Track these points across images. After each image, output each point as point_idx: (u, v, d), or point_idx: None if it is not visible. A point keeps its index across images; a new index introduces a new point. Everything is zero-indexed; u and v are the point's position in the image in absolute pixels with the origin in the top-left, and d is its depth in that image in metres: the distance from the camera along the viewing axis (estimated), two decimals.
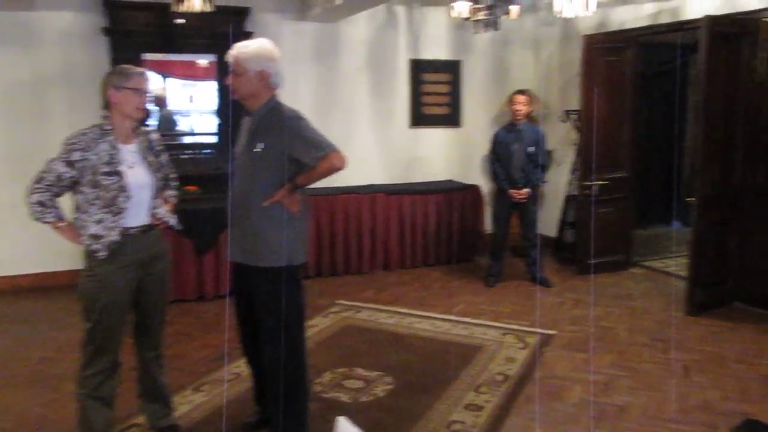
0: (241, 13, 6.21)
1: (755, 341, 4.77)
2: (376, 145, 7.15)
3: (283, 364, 3.02)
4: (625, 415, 3.69)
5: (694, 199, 5.29)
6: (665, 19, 6.15)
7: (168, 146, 3.43)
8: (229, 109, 5.81)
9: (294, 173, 2.97)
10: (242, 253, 3.08)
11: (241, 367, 4.01)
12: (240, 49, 3.02)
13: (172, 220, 3.22)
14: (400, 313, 5.44)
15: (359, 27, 6.92)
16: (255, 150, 3.00)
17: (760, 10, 5.30)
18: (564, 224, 7.13)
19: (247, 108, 3.10)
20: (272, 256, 2.97)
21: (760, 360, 4.43)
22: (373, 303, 5.70)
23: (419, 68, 7.24)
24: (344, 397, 3.87)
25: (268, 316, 3.02)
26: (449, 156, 7.48)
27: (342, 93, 6.94)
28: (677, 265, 6.62)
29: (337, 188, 6.44)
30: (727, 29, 5.24)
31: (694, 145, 5.55)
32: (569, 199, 7.03)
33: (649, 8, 6.31)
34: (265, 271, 2.99)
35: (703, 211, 5.25)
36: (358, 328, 5.11)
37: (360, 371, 4.24)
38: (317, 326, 5.08)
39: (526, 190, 5.95)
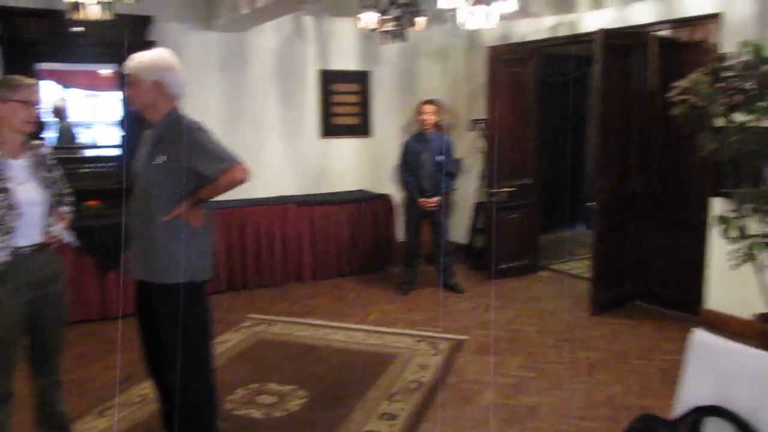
0: (143, 22, 6.01)
1: (654, 337, 5.01)
2: (286, 156, 7.08)
3: (189, 384, 2.92)
4: (534, 415, 3.79)
5: (594, 203, 5.51)
6: (564, 32, 6.40)
7: (68, 159, 3.28)
8: (130, 121, 5.63)
9: (196, 186, 2.89)
10: (142, 270, 2.97)
11: (147, 388, 3.86)
12: (136, 59, 2.93)
13: (68, 238, 3.07)
14: (313, 324, 5.40)
15: (267, 37, 6.84)
16: (155, 163, 2.90)
17: (649, 24, 5.61)
18: (474, 231, 7.29)
19: (148, 119, 3.01)
20: (174, 272, 2.87)
21: (658, 355, 4.66)
22: (287, 316, 5.63)
23: (328, 78, 7.24)
24: (256, 414, 3.79)
25: (171, 335, 2.92)
26: (360, 166, 7.50)
27: (250, 104, 6.84)
28: (581, 267, 6.88)
29: (247, 200, 6.33)
30: (620, 42, 5.51)
31: (593, 152, 5.79)
32: (478, 206, 7.19)
33: (548, 21, 6.55)
34: (167, 288, 2.89)
35: (602, 215, 5.48)
36: (271, 342, 5.03)
37: (273, 386, 4.16)
38: (228, 342, 4.96)
39: (436, 199, 6.05)
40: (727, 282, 4.94)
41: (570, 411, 3.83)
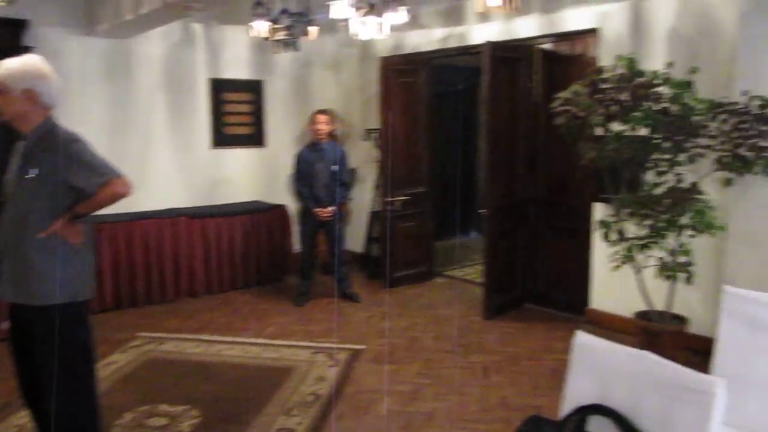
0: (18, 26, 5.64)
1: (544, 338, 5.20)
2: (176, 168, 6.84)
3: (70, 412, 2.75)
4: (431, 422, 3.83)
5: (485, 210, 5.67)
6: (454, 44, 6.56)
7: None
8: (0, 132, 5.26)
9: (74, 201, 2.72)
10: (16, 291, 2.76)
11: (25, 417, 3.59)
12: (4, 66, 2.74)
13: None
14: (207, 341, 5.22)
15: (153, 44, 6.59)
16: (27, 176, 2.72)
17: (534, 38, 5.84)
18: (370, 240, 7.32)
19: (19, 130, 2.81)
20: (51, 293, 2.69)
21: (548, 355, 4.83)
22: (178, 333, 5.42)
23: (220, 88, 7.07)
24: None
25: (49, 360, 2.73)
26: (254, 176, 7.37)
27: (137, 113, 6.56)
28: (475, 272, 7.06)
29: (135, 213, 6.07)
30: (506, 54, 5.71)
31: (483, 160, 5.96)
32: (374, 215, 7.23)
33: (439, 33, 6.70)
34: (43, 310, 2.70)
35: (492, 222, 5.65)
36: (162, 361, 4.82)
37: (164, 407, 3.98)
38: (115, 363, 4.72)
39: (331, 208, 6.02)
40: (610, 283, 5.20)
41: (465, 415, 3.90)
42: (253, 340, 5.24)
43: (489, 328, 5.46)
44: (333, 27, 7.36)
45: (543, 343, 5.09)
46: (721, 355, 2.63)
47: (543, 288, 6.00)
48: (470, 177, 8.88)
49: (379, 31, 5.51)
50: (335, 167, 6.04)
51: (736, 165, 4.05)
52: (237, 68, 7.19)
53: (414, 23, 6.34)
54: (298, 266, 6.46)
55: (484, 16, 6.13)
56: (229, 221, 6.62)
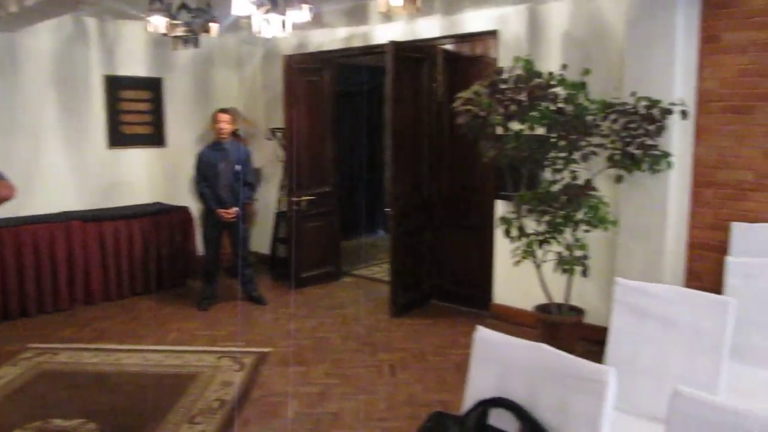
0: None
1: (449, 334, 5.29)
2: (69, 169, 6.50)
3: None
4: (339, 422, 3.81)
5: (390, 209, 5.70)
6: (357, 43, 6.56)
7: None
8: None
9: None
10: None
11: None
12: None
13: None
14: (105, 349, 4.99)
15: (42, 39, 6.23)
16: None
17: (436, 38, 5.93)
18: (276, 240, 7.22)
19: None
20: None
21: (454, 351, 4.91)
22: (73, 342, 5.15)
23: (116, 85, 6.77)
24: None
25: None
26: (155, 177, 7.11)
27: (26, 112, 6.18)
28: (382, 271, 7.10)
29: (24, 218, 5.74)
30: (410, 54, 5.76)
31: (388, 159, 5.99)
32: (280, 216, 7.13)
33: (343, 32, 6.68)
34: None
35: (398, 220, 5.69)
36: (56, 373, 4.56)
37: (58, 422, 3.77)
38: (4, 377, 4.43)
39: (235, 209, 5.89)
40: (512, 278, 5.36)
41: (373, 413, 3.91)
42: (154, 347, 5.05)
43: (396, 326, 5.50)
44: (235, 24, 7.23)
45: (449, 339, 5.17)
46: (613, 344, 2.75)
47: (449, 284, 6.10)
48: (376, 176, 8.94)
49: (282, 29, 5.45)
50: (239, 167, 5.91)
51: (626, 162, 4.26)
52: (134, 65, 6.91)
53: (318, 22, 6.31)
54: (201, 269, 6.29)
55: (388, 17, 6.16)
56: (128, 224, 6.35)
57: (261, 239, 7.41)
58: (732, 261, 3.34)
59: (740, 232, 4.17)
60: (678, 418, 1.65)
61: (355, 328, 5.46)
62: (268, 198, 7.40)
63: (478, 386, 2.10)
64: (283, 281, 6.77)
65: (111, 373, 4.56)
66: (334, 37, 6.75)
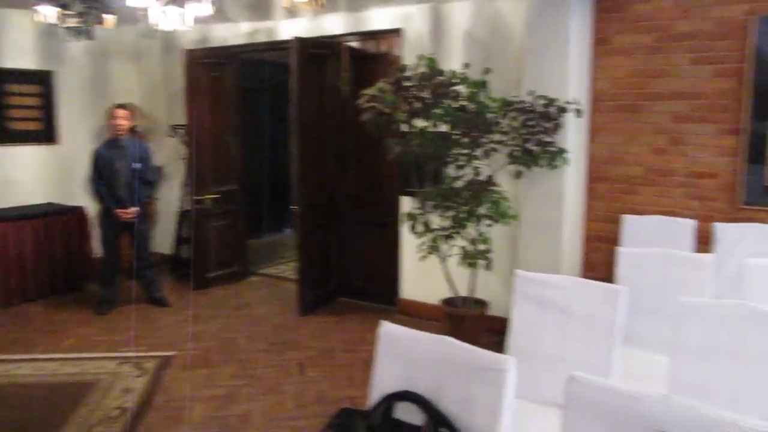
0: None
1: (358, 330, 5.30)
2: None
3: None
4: (246, 423, 3.75)
5: (296, 207, 5.65)
6: (262, 39, 6.46)
7: None
8: None
9: None
10: None
11: None
12: None
13: None
14: None
15: None
16: None
17: (341, 35, 5.91)
18: (179, 240, 7.00)
19: None
20: None
21: (362, 347, 4.93)
22: None
23: (1, 78, 6.36)
24: None
25: None
26: (46, 176, 6.73)
27: None
28: (289, 269, 7.03)
29: None
30: (314, 50, 5.72)
31: (294, 156, 5.93)
32: (183, 215, 6.92)
33: (246, 27, 6.55)
34: None
35: (304, 218, 5.65)
36: None
37: None
38: None
39: (134, 209, 5.65)
40: (418, 273, 5.44)
41: (282, 413, 3.87)
42: (48, 355, 4.78)
43: (304, 324, 5.46)
44: (133, 16, 6.96)
45: (357, 336, 5.19)
46: (514, 334, 2.84)
47: (356, 281, 6.12)
48: (283, 173, 8.83)
49: (181, 22, 5.29)
50: (137, 165, 5.68)
51: (525, 159, 4.41)
52: (21, 57, 6.51)
53: (221, 16, 6.16)
54: (99, 272, 6.02)
55: (292, 12, 6.09)
56: (17, 226, 5.97)
57: (163, 239, 7.18)
58: (622, 251, 3.52)
59: (630, 224, 4.41)
60: (574, 402, 1.72)
61: (263, 328, 5.38)
62: (170, 197, 7.17)
63: (384, 381, 2.12)
64: (187, 282, 6.57)
65: (0, 385, 4.29)
66: (237, 31, 6.61)
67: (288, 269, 7.11)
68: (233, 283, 6.67)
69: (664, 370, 2.59)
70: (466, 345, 1.97)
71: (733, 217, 4.22)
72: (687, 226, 4.23)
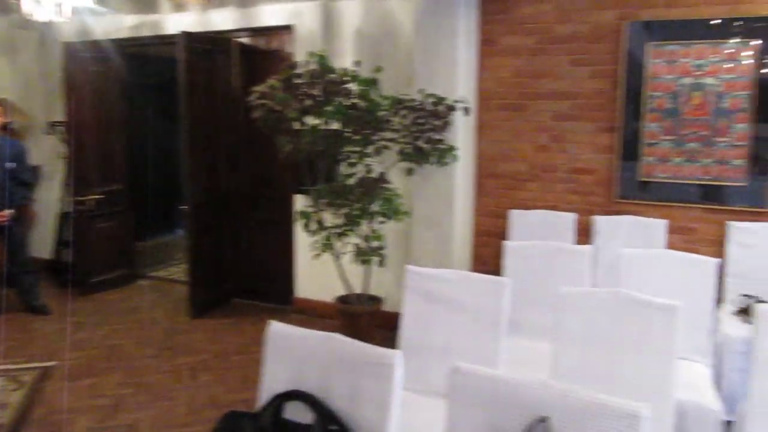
0: None
1: (252, 331, 5.21)
2: None
3: None
4: None
5: (186, 206, 5.48)
6: (147, 33, 6.21)
7: None
8: None
9: None
10: None
11: None
12: None
13: None
14: None
15: None
16: None
17: (231, 31, 5.79)
18: (60, 244, 6.63)
19: None
20: None
21: (256, 348, 4.80)
22: None
23: None
24: None
25: None
26: None
27: None
28: (181, 271, 6.81)
29: None
30: (203, 46, 5.56)
31: (184, 154, 5.74)
32: (64, 217, 6.55)
33: (131, 20, 6.28)
34: None
35: (195, 217, 5.49)
36: None
37: None
38: None
39: (8, 212, 5.30)
40: (313, 271, 5.41)
41: (172, 420, 3.75)
42: None
43: (196, 328, 5.31)
44: (5, 5, 6.54)
45: (251, 337, 5.10)
46: (405, 328, 2.88)
47: (250, 281, 6.01)
48: (174, 172, 8.53)
49: (58, 12, 5.01)
50: (11, 165, 5.33)
51: (416, 156, 4.47)
52: None
53: (103, 8, 5.87)
54: None
55: (179, 6, 5.91)
56: None
57: (42, 243, 6.77)
58: (509, 244, 3.66)
59: (517, 219, 4.58)
60: (457, 391, 1.76)
61: (152, 333, 5.18)
62: (49, 198, 6.77)
63: (273, 381, 2.09)
64: (69, 288, 6.23)
65: None
66: (121, 24, 6.32)
67: (180, 271, 6.89)
68: (121, 287, 6.38)
69: (547, 357, 2.70)
70: (354, 341, 1.97)
71: (610, 210, 4.47)
72: (568, 219, 4.45)
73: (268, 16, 5.57)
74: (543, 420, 1.62)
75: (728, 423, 2.82)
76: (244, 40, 5.85)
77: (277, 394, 2.00)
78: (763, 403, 2.39)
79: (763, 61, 3.99)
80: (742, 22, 4.02)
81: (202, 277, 5.60)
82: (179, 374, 4.40)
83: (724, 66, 4.09)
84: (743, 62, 4.03)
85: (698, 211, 4.27)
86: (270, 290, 5.88)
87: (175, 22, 5.95)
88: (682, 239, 4.29)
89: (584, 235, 4.45)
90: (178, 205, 8.26)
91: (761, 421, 2.39)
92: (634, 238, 4.21)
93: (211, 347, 4.88)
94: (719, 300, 3.67)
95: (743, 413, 2.51)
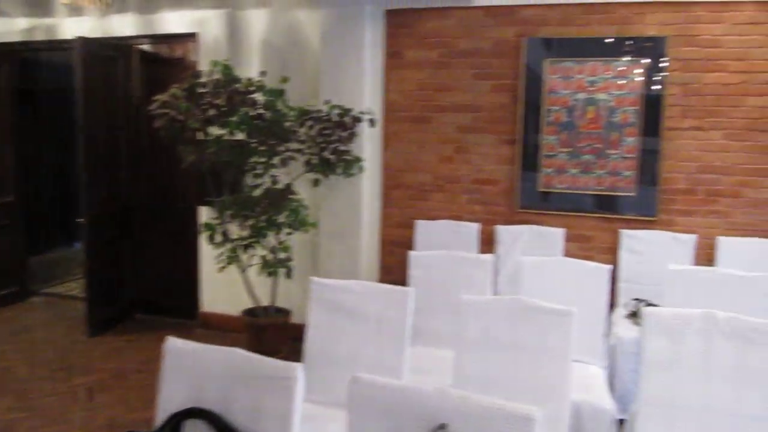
0: None
1: (155, 348, 4.96)
2: None
3: None
4: None
5: (83, 219, 5.25)
6: (41, 36, 5.93)
7: None
8: None
9: None
10: None
11: None
12: None
13: None
14: None
15: None
16: None
17: (132, 37, 5.60)
18: None
19: None
20: None
21: (158, 365, 4.60)
22: None
23: None
24: None
25: None
26: None
27: None
28: (79, 287, 6.49)
29: None
30: (102, 52, 5.36)
31: (81, 164, 5.48)
32: None
33: (23, 23, 5.97)
34: None
35: (92, 230, 5.25)
36: None
37: None
38: None
39: None
40: (218, 284, 5.29)
41: None
42: None
43: (95, 346, 5.07)
44: None
45: (153, 353, 4.87)
46: (310, 340, 2.86)
47: (153, 296, 5.81)
48: (72, 183, 8.15)
49: None
50: None
51: (322, 167, 4.48)
52: None
53: None
54: None
55: (75, 10, 5.66)
56: None
57: None
58: (413, 254, 3.71)
59: (423, 229, 4.66)
60: (357, 402, 1.76)
61: (46, 353, 4.91)
62: None
63: (171, 399, 2.03)
64: None
65: None
66: (12, 27, 6.00)
67: (77, 287, 6.56)
68: (10, 305, 6.02)
69: (451, 364, 2.75)
70: (254, 355, 1.94)
71: (512, 219, 4.61)
72: (472, 229, 4.56)
73: (172, 23, 5.44)
74: (442, 427, 1.65)
75: (621, 421, 2.95)
76: (146, 47, 5.69)
77: (174, 413, 1.94)
78: (652, 401, 2.52)
79: (652, 78, 4.24)
80: (632, 42, 4.26)
81: (101, 293, 5.36)
82: (75, 395, 4.19)
83: (616, 82, 4.32)
84: (635, 79, 4.28)
85: (593, 220, 4.48)
86: (174, 305, 5.71)
87: (71, 27, 5.70)
88: (579, 247, 4.48)
89: (488, 243, 4.57)
90: (76, 217, 7.90)
91: (652, 418, 2.52)
92: (534, 247, 4.36)
93: (110, 366, 4.68)
94: (612, 304, 3.85)
95: (635, 412, 2.63)
